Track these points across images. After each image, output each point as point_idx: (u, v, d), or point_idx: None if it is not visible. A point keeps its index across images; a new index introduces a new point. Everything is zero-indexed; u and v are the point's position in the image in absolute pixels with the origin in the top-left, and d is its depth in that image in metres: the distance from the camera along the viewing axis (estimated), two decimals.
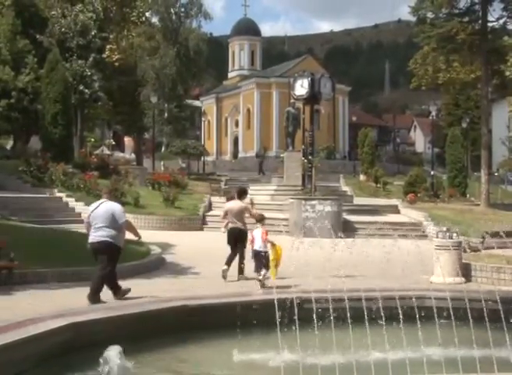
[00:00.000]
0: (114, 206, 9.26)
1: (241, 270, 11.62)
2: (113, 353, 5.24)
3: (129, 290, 9.35)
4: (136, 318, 7.44)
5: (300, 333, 6.05)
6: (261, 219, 11.44)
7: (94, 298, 8.77)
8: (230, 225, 11.97)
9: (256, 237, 10.96)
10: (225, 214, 12.22)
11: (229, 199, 13.05)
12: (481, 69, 31.79)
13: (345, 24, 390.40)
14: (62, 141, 28.54)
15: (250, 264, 11.29)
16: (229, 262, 11.67)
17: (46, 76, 29.25)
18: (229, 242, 11.92)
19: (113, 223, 9.04)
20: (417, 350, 6.64)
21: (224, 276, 11.45)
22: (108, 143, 59.85)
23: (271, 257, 10.79)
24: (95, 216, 9.14)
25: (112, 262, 9.11)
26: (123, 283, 10.93)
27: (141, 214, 22.69)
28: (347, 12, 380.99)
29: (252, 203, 13.40)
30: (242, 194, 12.54)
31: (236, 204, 12.20)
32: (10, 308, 8.03)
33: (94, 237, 9.07)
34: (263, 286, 10.32)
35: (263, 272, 10.58)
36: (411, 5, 31.83)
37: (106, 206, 9.20)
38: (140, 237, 9.73)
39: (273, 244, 10.92)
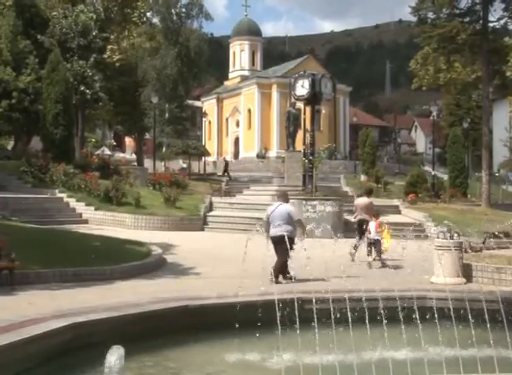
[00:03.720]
0: (289, 207, 11.67)
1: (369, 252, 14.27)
2: (114, 355, 5.22)
3: (294, 277, 10.96)
4: (136, 318, 7.44)
5: (301, 333, 6.04)
6: (377, 215, 14.46)
7: (277, 279, 10.78)
8: (358, 216, 14.72)
9: (371, 228, 13.74)
10: (356, 208, 15.06)
11: (358, 196, 16.14)
12: (482, 70, 31.77)
13: (347, 24, 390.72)
14: (63, 142, 28.54)
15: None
16: (355, 247, 14.21)
17: (47, 76, 29.24)
18: (358, 230, 14.61)
19: (289, 220, 11.26)
20: (418, 350, 6.65)
21: (352, 259, 13.90)
22: (109, 143, 60.05)
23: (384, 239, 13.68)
24: (274, 216, 11.34)
25: (288, 250, 10.85)
26: (124, 283, 10.98)
27: (142, 214, 22.70)
28: (349, 12, 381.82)
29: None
30: (369, 192, 15.82)
31: (363, 200, 15.09)
32: (11, 309, 8.03)
33: (275, 232, 11.18)
34: (370, 267, 13.14)
35: (373, 257, 13.58)
36: (412, 5, 31.83)
37: (283, 208, 11.46)
38: (306, 236, 11.32)
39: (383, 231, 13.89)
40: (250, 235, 9.06)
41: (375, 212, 14.55)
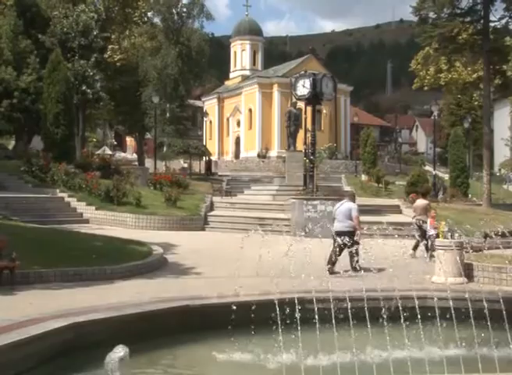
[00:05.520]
0: (352, 205, 13.05)
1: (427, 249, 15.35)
2: (116, 355, 5.22)
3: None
4: (137, 318, 7.42)
5: (301, 333, 6.03)
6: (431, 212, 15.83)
7: (354, 268, 11.11)
8: (417, 217, 15.91)
9: (428, 225, 15.12)
10: (415, 209, 16.32)
11: (417, 197, 17.29)
12: (483, 69, 31.73)
13: (348, 24, 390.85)
14: (64, 141, 28.54)
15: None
16: (415, 248, 15.36)
17: (48, 76, 29.24)
18: (417, 230, 15.62)
19: (350, 216, 12.76)
20: (419, 350, 6.64)
21: (412, 257, 14.72)
22: (110, 143, 60.07)
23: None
24: (338, 212, 12.93)
25: (353, 242, 11.81)
26: (125, 283, 10.97)
27: (143, 214, 22.68)
28: (350, 11, 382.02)
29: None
30: (426, 193, 17.42)
31: (421, 201, 16.43)
32: (12, 309, 8.03)
33: (337, 226, 12.79)
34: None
35: (429, 253, 14.44)
36: (413, 5, 31.77)
37: (347, 205, 13.00)
38: (359, 234, 12.38)
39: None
40: (247, 234, 9.02)
41: (432, 210, 16.03)
